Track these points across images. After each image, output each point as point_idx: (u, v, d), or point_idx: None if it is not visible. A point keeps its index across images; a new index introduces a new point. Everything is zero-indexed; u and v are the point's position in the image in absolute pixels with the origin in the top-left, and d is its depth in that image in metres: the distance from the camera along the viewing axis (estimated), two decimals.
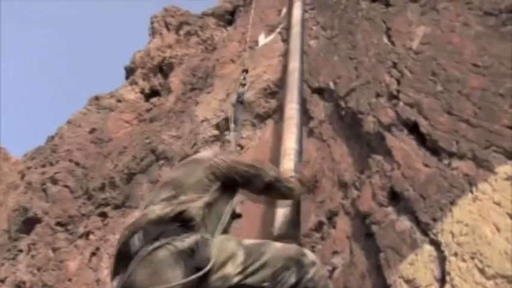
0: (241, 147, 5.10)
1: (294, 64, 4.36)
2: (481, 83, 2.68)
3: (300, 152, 3.38)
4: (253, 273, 2.02)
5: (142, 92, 10.58)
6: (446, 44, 3.11)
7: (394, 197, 2.73)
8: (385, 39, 3.74)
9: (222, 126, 5.65)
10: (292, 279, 2.09)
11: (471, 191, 2.28)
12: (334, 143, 3.63)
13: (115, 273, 2.01)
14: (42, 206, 8.46)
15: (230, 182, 2.35)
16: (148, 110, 9.33)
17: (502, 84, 2.55)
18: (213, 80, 7.15)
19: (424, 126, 2.77)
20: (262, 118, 5.16)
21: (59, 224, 7.98)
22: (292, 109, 3.78)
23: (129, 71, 11.43)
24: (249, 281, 2.01)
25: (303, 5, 5.58)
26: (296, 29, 5.05)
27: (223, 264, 1.97)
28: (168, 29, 11.94)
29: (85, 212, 7.77)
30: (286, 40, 5.53)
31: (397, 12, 3.90)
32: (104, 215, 7.36)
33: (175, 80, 9.33)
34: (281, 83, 5.04)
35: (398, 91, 3.17)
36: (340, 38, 4.47)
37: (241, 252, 2.04)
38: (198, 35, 10.72)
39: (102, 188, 7.66)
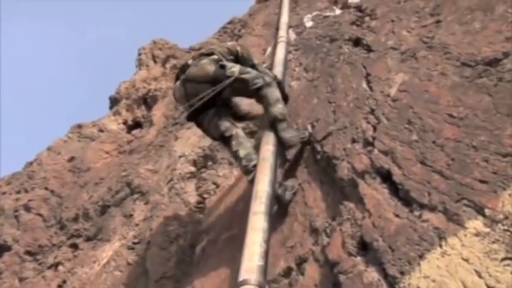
0: (217, 186, 5.02)
1: None
2: (455, 134, 2.65)
3: (272, 195, 3.31)
4: (245, 73, 3.99)
5: (125, 123, 10.53)
6: (423, 93, 3.10)
7: (364, 247, 2.65)
8: (364, 85, 3.74)
9: (199, 163, 5.58)
10: (259, 84, 4.00)
11: (440, 245, 2.22)
12: (309, 186, 3.57)
13: (177, 78, 4.23)
14: (13, 234, 8.24)
15: (238, 59, 4.32)
16: (129, 142, 9.25)
17: (476, 137, 2.52)
18: None
19: (397, 175, 2.73)
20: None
21: (28, 253, 7.76)
22: (267, 151, 3.73)
23: (114, 101, 11.39)
24: (243, 76, 3.96)
25: (287, 45, 5.61)
26: (278, 69, 5.05)
27: (232, 67, 3.98)
28: (155, 62, 11.98)
29: (56, 242, 7.57)
30: None
31: (377, 58, 3.93)
32: (75, 247, 7.16)
33: (157, 113, 9.31)
34: (261, 123, 5.01)
35: (374, 138, 3.14)
36: (320, 80, 4.47)
37: (238, 68, 4.01)
38: None
39: (75, 219, 7.50)
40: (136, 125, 10.23)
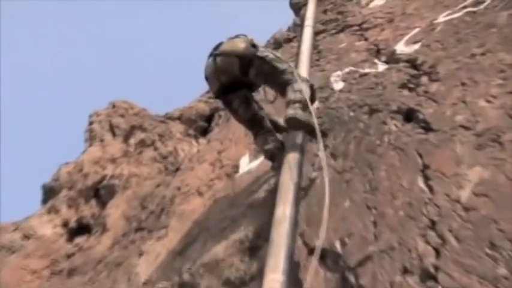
0: None
1: (284, 209, 4.25)
2: None
3: None
4: (278, 62, 5.52)
5: (65, 225, 10.47)
6: None
7: None
8: (421, 183, 3.69)
9: None
10: (289, 79, 5.43)
11: None
12: None
13: (210, 55, 5.74)
14: None
15: None
16: (69, 256, 9.13)
17: None
18: (168, 219, 7.06)
19: None
20: (235, 287, 4.95)
21: None
22: (274, 281, 3.63)
23: (49, 192, 11.37)
24: (275, 63, 5.47)
25: None
26: (293, 154, 4.99)
27: (264, 51, 5.56)
28: (114, 134, 12.05)
29: None
30: (279, 167, 5.47)
31: (440, 142, 3.88)
32: None
33: (115, 212, 9.25)
34: (266, 234, 4.93)
35: (436, 268, 3.04)
36: (355, 173, 4.44)
37: (272, 55, 5.65)
38: (156, 148, 10.82)
39: None
40: (82, 229, 10.16)
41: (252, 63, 5.49)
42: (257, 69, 5.49)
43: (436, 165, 3.69)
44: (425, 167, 3.78)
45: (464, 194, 3.29)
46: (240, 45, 5.57)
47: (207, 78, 5.98)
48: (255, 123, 5.70)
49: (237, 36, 5.83)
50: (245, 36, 5.80)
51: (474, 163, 3.45)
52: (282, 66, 5.48)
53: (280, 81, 5.46)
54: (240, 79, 5.62)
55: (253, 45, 5.55)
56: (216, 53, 5.69)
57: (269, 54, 5.55)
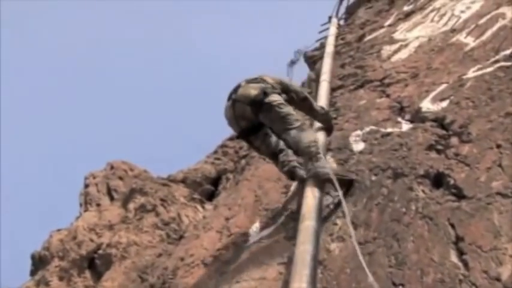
0: None
1: (300, 286, 4.19)
2: None
3: None
4: (282, 108, 6.33)
5: None
6: None
7: None
8: (454, 257, 3.63)
9: None
10: (294, 125, 6.31)
11: None
12: None
13: (229, 97, 6.68)
14: None
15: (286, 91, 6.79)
16: None
17: None
18: None
19: None
20: None
21: None
22: None
23: (39, 262, 11.29)
24: (278, 109, 6.25)
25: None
26: (308, 222, 4.92)
27: (273, 98, 6.34)
28: (112, 198, 11.99)
29: None
30: (293, 238, 5.40)
31: (475, 210, 3.82)
32: None
33: (111, 285, 9.18)
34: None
35: None
36: (379, 244, 4.37)
37: (280, 101, 6.41)
38: (158, 213, 10.76)
39: None
40: None
41: (261, 109, 6.27)
42: (264, 114, 6.27)
43: (470, 238, 3.64)
44: (459, 239, 3.72)
45: (505, 271, 3.22)
46: (252, 92, 6.35)
47: (227, 120, 6.79)
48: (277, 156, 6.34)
49: (254, 80, 6.64)
50: (262, 79, 6.63)
51: None
52: (286, 110, 6.24)
53: (283, 128, 6.18)
54: (257, 122, 6.37)
55: (265, 93, 6.29)
56: (234, 98, 6.51)
57: (276, 98, 6.32)
